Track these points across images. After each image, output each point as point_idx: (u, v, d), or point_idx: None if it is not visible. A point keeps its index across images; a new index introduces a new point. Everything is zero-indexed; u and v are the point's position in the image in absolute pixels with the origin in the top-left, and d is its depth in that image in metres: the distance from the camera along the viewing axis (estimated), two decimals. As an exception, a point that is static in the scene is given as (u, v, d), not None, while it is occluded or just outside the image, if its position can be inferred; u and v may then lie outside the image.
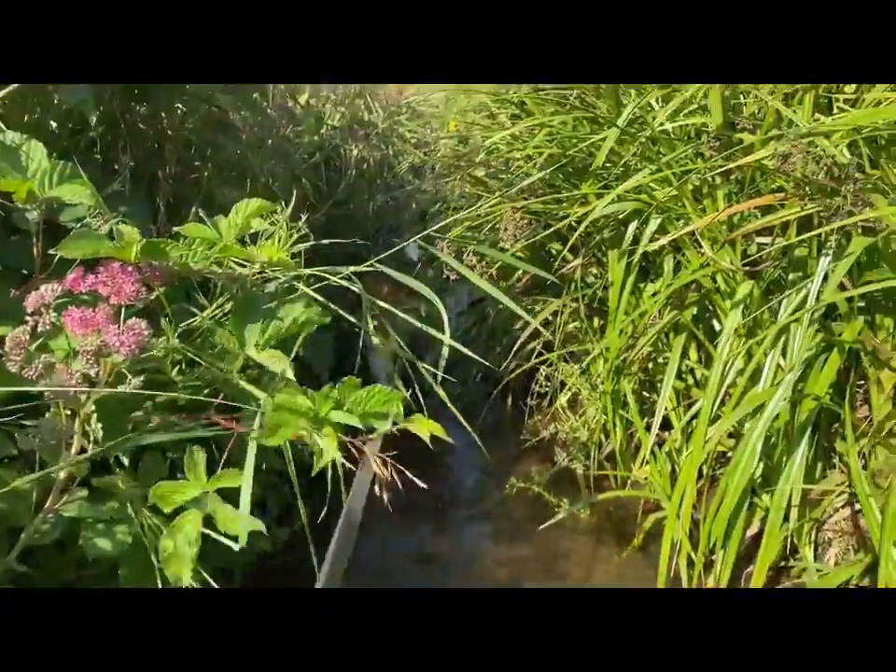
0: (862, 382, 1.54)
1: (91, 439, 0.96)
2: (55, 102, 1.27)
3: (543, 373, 2.10)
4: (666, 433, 1.88)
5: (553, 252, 2.16)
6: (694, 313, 1.75)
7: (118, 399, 0.99)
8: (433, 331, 1.21)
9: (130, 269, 0.86)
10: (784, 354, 1.43)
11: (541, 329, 1.72)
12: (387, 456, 0.91)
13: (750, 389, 1.49)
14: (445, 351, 1.28)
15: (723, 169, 1.34)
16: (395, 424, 1.01)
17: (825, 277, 1.27)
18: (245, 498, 0.81)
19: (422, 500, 2.00)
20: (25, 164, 0.97)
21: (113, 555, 0.98)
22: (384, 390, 0.96)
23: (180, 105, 1.63)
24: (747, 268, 1.51)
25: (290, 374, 0.95)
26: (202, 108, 1.62)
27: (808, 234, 1.35)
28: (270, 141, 1.87)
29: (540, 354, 2.11)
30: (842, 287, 1.17)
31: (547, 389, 2.12)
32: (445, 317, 1.25)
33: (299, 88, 2.63)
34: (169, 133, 1.67)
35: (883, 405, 1.42)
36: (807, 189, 1.22)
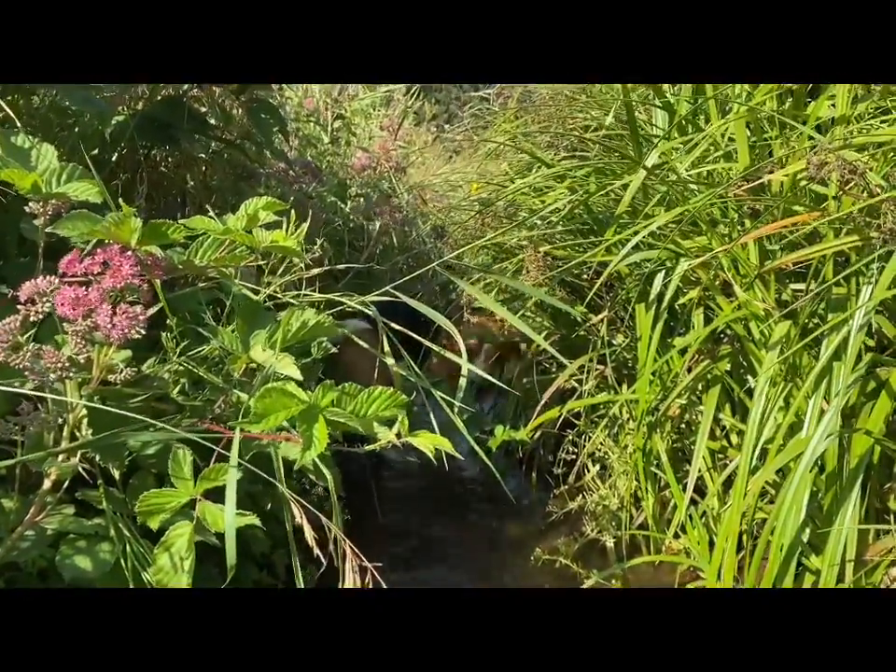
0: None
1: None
2: (75, 130, 1.27)
3: (570, 439, 2.00)
4: (700, 500, 1.76)
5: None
6: (727, 368, 1.67)
7: (113, 415, 0.93)
8: (456, 358, 1.15)
9: (129, 253, 0.81)
10: (827, 399, 1.34)
11: (576, 373, 1.63)
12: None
13: (790, 441, 1.39)
14: (463, 382, 1.21)
15: (756, 183, 1.29)
16: (398, 436, 0.94)
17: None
18: (231, 493, 0.73)
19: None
20: (35, 164, 0.95)
21: (92, 577, 0.88)
22: (385, 392, 0.89)
23: (203, 155, 1.65)
24: (782, 310, 1.44)
25: (298, 375, 0.88)
26: (222, 157, 1.63)
27: (847, 271, 1.29)
28: (292, 198, 1.88)
29: (566, 420, 2.02)
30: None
31: (574, 456, 2.01)
32: (462, 346, 1.19)
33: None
34: (191, 183, 1.68)
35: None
36: (842, 213, 1.17)
